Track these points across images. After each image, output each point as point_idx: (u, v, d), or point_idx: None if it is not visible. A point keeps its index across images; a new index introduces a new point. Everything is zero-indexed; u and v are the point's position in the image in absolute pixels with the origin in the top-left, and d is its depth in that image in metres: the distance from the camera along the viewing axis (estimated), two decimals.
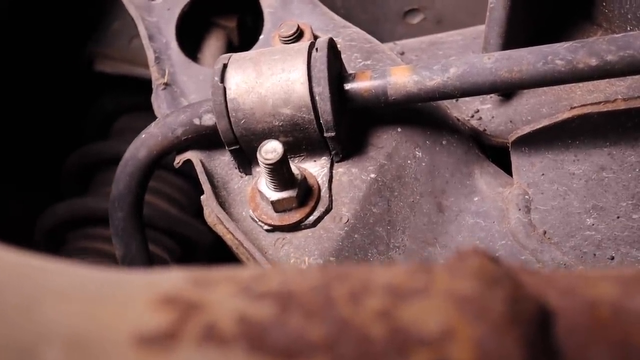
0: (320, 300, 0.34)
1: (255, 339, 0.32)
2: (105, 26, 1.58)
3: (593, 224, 0.83)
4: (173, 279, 0.36)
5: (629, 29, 0.89)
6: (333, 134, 0.81)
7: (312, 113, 0.80)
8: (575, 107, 0.83)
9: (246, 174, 0.89)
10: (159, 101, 0.97)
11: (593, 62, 0.74)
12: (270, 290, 0.35)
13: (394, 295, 0.34)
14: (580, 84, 0.92)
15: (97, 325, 0.31)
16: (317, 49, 0.81)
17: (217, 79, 0.82)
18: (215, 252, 1.50)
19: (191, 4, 1.09)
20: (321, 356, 0.31)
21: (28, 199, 1.69)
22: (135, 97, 1.62)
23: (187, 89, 1.00)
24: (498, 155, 0.95)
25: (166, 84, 0.99)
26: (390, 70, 0.83)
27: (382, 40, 1.12)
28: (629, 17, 0.87)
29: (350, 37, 1.00)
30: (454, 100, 0.97)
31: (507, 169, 0.92)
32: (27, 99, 1.71)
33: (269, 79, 0.81)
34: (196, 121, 0.86)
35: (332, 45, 0.84)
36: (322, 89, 0.79)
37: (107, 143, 1.63)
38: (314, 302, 0.33)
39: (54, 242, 1.57)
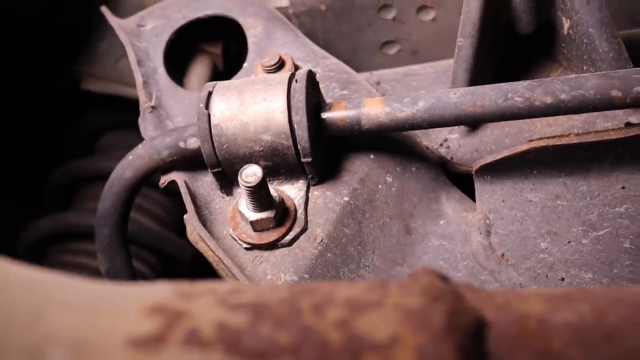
0: (288, 310, 0.39)
1: (232, 343, 0.37)
2: (92, 46, 1.62)
3: (547, 248, 0.89)
4: (161, 290, 0.41)
5: (584, 68, 0.96)
6: (310, 159, 0.87)
7: (290, 140, 0.85)
8: (533, 140, 0.89)
9: (227, 195, 0.94)
10: (146, 123, 1.02)
11: (548, 100, 0.81)
12: (245, 302, 0.40)
13: (352, 308, 0.40)
14: (541, 118, 0.99)
15: (96, 329, 0.37)
16: (296, 80, 0.87)
17: (202, 105, 0.87)
18: (194, 267, 1.54)
19: (178, 31, 1.14)
20: (287, 358, 0.36)
21: (11, 213, 1.72)
22: (119, 115, 1.67)
23: (173, 112, 1.05)
24: (464, 181, 1.01)
25: (153, 107, 1.04)
26: (365, 101, 0.89)
27: (361, 69, 1.19)
28: (585, 57, 0.94)
29: (329, 67, 1.06)
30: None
31: (472, 195, 0.98)
32: (15, 115, 1.74)
33: (251, 107, 0.86)
34: (181, 144, 0.92)
35: (310, 76, 0.90)
36: (300, 118, 0.85)
37: (91, 160, 1.66)
38: (282, 313, 0.39)
39: (36, 256, 1.60)
